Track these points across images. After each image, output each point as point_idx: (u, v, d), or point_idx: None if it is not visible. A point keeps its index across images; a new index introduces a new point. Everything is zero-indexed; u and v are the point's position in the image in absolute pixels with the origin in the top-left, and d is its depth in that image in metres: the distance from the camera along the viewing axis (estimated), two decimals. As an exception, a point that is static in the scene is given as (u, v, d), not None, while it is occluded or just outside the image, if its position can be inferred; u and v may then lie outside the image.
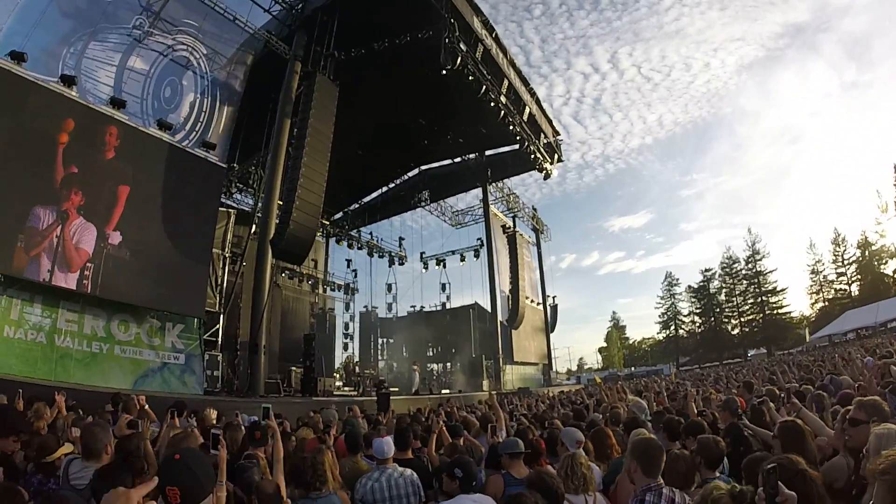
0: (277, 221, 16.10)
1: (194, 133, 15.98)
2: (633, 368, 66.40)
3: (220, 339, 16.99)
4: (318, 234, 27.10)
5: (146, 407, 6.42)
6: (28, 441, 4.39)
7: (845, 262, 57.59)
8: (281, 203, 16.41)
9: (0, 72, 11.66)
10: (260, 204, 18.37)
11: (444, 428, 6.36)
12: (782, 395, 6.89)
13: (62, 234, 12.18)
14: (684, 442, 4.54)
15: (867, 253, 55.83)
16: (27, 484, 3.64)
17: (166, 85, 15.51)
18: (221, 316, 17.25)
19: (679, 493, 3.03)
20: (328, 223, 32.05)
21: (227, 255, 18.08)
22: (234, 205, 22.14)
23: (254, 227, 18.99)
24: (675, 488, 3.08)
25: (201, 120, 16.24)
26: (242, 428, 5.47)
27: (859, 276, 56.19)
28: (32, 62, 12.27)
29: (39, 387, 9.22)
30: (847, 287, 57.16)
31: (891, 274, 53.91)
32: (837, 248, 58.41)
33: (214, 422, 7.29)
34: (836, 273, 58.50)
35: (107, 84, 14.02)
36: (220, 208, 17.50)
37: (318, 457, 3.86)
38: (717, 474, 3.60)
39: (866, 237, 56.35)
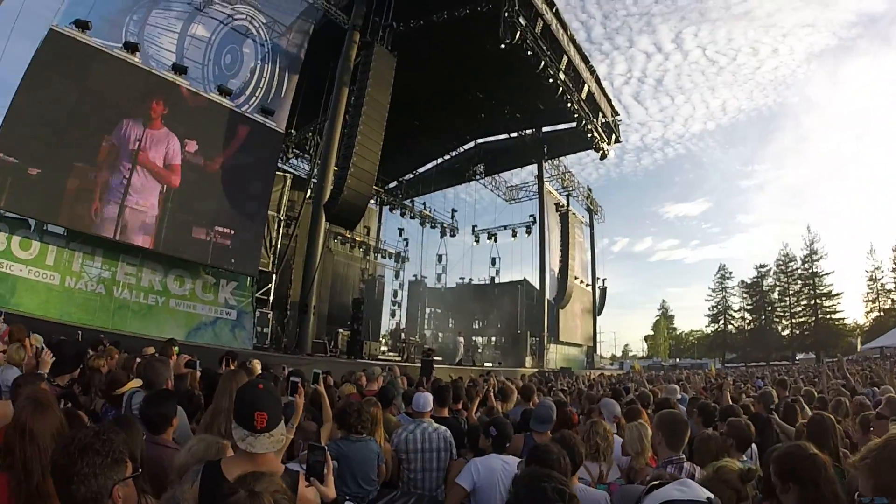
0: (332, 187, 16.45)
1: (254, 98, 16.50)
2: (678, 360, 64.71)
3: (271, 298, 17.70)
4: (372, 201, 27.52)
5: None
6: (93, 378, 4.88)
7: None
8: (336, 169, 16.75)
9: (66, 39, 12.34)
10: (316, 170, 18.83)
11: (492, 392, 6.56)
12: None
13: (126, 191, 12.91)
14: (717, 427, 4.62)
15: (930, 266, 52.37)
16: (104, 416, 4.11)
17: (227, 52, 16.05)
18: (274, 276, 17.94)
19: (699, 471, 3.02)
20: (382, 191, 32.42)
21: (282, 217, 18.68)
22: (291, 170, 22.71)
23: (309, 192, 19.52)
24: (698, 466, 3.14)
25: (262, 86, 16.74)
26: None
27: (920, 289, 52.83)
28: (96, 30, 12.89)
29: (98, 333, 9.89)
30: None
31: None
32: None
33: (259, 372, 7.77)
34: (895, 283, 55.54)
35: (169, 50, 14.63)
36: (277, 172, 18.04)
37: (366, 406, 4.13)
38: (745, 458, 3.67)
39: (932, 246, 52.72)
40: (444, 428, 4.42)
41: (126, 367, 5.41)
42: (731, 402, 5.88)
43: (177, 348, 7.69)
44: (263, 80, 16.86)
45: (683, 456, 3.21)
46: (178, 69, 14.38)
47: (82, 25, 12.55)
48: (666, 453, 3.21)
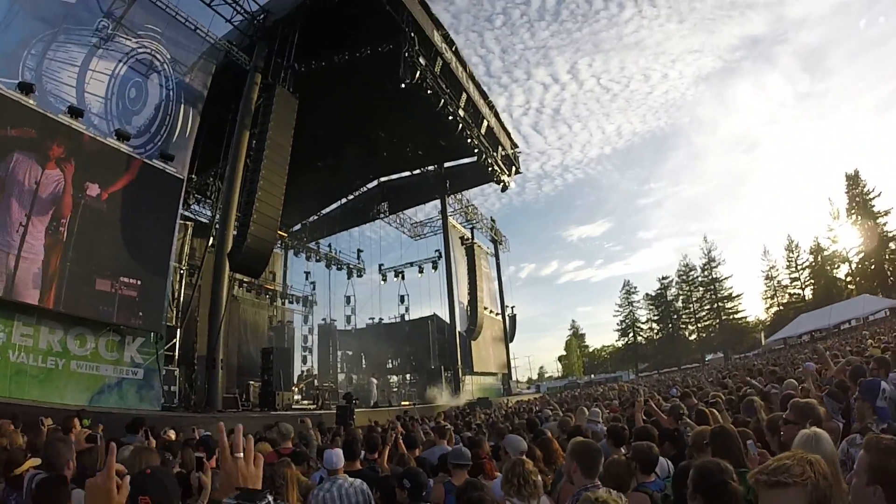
0: (235, 234, 15.99)
1: (159, 137, 15.91)
2: (592, 376, 66.95)
3: (177, 354, 16.66)
4: (276, 246, 26.85)
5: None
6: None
7: (799, 268, 59.54)
8: (239, 215, 16.25)
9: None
10: (218, 216, 18.20)
11: (401, 440, 6.45)
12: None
13: (22, 240, 11.91)
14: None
15: (820, 258, 57.63)
16: (5, 499, 3.70)
17: (131, 86, 15.41)
18: (178, 330, 16.96)
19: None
20: (286, 235, 31.77)
21: (184, 267, 17.83)
22: (192, 216, 21.84)
23: (211, 239, 18.77)
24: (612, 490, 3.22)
25: (166, 124, 16.18)
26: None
27: (812, 281, 57.92)
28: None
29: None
30: (801, 291, 59.05)
31: (843, 278, 55.76)
32: (791, 254, 60.34)
33: (174, 439, 7.32)
34: (790, 278, 60.39)
35: (69, 85, 13.82)
36: (178, 221, 17.26)
37: (280, 469, 3.95)
38: (654, 478, 3.76)
39: (819, 243, 58.17)
40: (359, 481, 4.29)
41: (28, 445, 5.01)
42: (643, 422, 6.10)
43: (87, 420, 7.17)
44: (168, 117, 16.25)
45: (598, 482, 3.29)
46: (75, 112, 13.43)
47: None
48: (582, 481, 3.29)
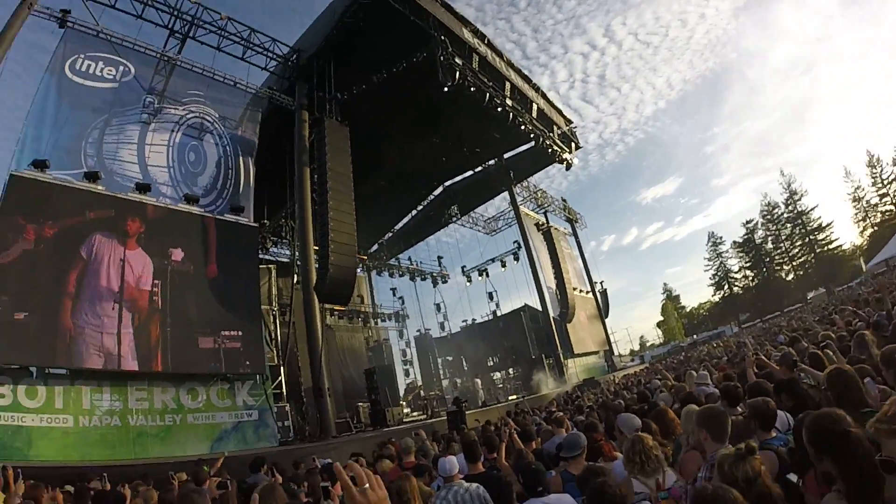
0: (317, 267, 16.48)
1: (226, 191, 16.75)
2: (695, 336, 64.23)
3: (284, 391, 17.41)
4: (358, 269, 27.51)
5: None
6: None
7: (885, 182, 54.65)
8: (317, 248, 16.78)
9: (27, 182, 12.41)
10: (297, 254, 18.86)
11: (516, 435, 6.43)
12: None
13: (120, 318, 12.82)
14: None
15: (905, 167, 52.90)
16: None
17: (189, 150, 16.37)
18: (282, 367, 17.72)
19: None
20: (366, 258, 32.53)
21: (275, 309, 18.58)
22: (273, 258, 22.74)
23: (295, 276, 19.48)
24: None
25: (230, 178, 17.03)
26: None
27: (903, 194, 53.31)
28: (56, 163, 13.03)
29: (121, 468, 9.67)
30: (893, 207, 54.14)
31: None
32: (874, 170, 55.40)
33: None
34: (879, 195, 55.52)
35: (131, 162, 14.86)
36: (261, 266, 18.02)
37: (403, 484, 4.06)
38: (774, 433, 3.63)
39: (901, 152, 53.26)
40: (475, 485, 4.26)
41: (162, 500, 5.33)
42: (754, 377, 5.82)
43: (206, 468, 7.60)
44: (231, 171, 17.13)
45: (731, 447, 3.18)
46: (142, 188, 14.43)
47: (40, 165, 12.62)
48: (713, 447, 3.22)
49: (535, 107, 23.52)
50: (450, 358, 37.09)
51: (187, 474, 7.86)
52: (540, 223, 35.54)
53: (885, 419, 1.50)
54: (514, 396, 25.68)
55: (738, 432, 3.46)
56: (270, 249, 24.30)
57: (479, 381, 25.98)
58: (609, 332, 40.90)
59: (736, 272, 67.14)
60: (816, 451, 2.18)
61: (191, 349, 14.07)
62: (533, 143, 25.00)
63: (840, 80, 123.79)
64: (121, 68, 15.48)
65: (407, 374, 33.61)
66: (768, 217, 62.89)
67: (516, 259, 35.25)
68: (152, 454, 12.17)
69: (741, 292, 65.93)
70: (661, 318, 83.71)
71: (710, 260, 69.18)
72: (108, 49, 15.37)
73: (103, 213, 13.41)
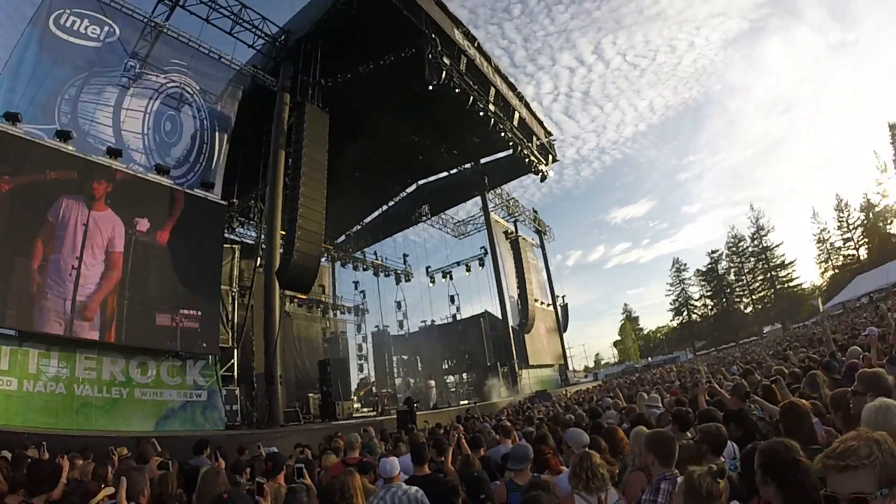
0: (281, 252, 16.27)
1: (199, 165, 16.42)
2: (650, 358, 65.69)
3: (235, 374, 17.10)
4: (323, 259, 27.21)
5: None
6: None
7: (850, 227, 56.60)
8: (283, 233, 16.55)
9: (-2, 134, 11.95)
10: (263, 236, 18.57)
11: (464, 441, 6.41)
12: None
13: (77, 282, 12.41)
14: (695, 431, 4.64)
15: (871, 215, 54.83)
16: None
17: (166, 119, 16.01)
18: (235, 350, 17.38)
19: None
20: (331, 248, 32.20)
21: (234, 290, 18.24)
22: (238, 239, 22.35)
23: (258, 259, 19.17)
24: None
25: (203, 152, 16.70)
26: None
27: (866, 240, 55.14)
28: (28, 117, 12.57)
29: (62, 437, 9.36)
30: (855, 252, 56.14)
31: (896, 233, 52.80)
32: (841, 214, 57.32)
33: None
34: (843, 239, 57.48)
35: (105, 125, 14.45)
36: (225, 245, 17.68)
37: (347, 479, 3.99)
38: (723, 460, 3.66)
39: (868, 199, 55.48)
40: (415, 488, 4.26)
41: (96, 475, 5.17)
42: (705, 404, 5.94)
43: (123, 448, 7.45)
44: (205, 146, 16.81)
45: (676, 471, 3.20)
46: (114, 153, 14.03)
47: (12, 118, 12.15)
48: (659, 471, 3.23)
49: (517, 115, 23.66)
50: (405, 357, 36.90)
51: (128, 449, 7.66)
52: (509, 231, 35.70)
53: (833, 455, 1.52)
54: (466, 401, 25.75)
55: (687, 456, 3.48)
56: (237, 230, 23.88)
57: (433, 382, 25.94)
58: (566, 346, 41.36)
59: (696, 300, 68.92)
60: (764, 476, 2.20)
61: (148, 325, 13.76)
62: (511, 152, 25.17)
63: (818, 121, 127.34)
64: (106, 28, 15.05)
65: (361, 369, 33.31)
66: (734, 249, 64.69)
67: (481, 265, 35.42)
68: (95, 426, 11.83)
69: (699, 320, 67.54)
70: (619, 338, 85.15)
71: (672, 285, 70.78)
72: (96, 7, 14.96)
73: (65, 174, 12.94)
